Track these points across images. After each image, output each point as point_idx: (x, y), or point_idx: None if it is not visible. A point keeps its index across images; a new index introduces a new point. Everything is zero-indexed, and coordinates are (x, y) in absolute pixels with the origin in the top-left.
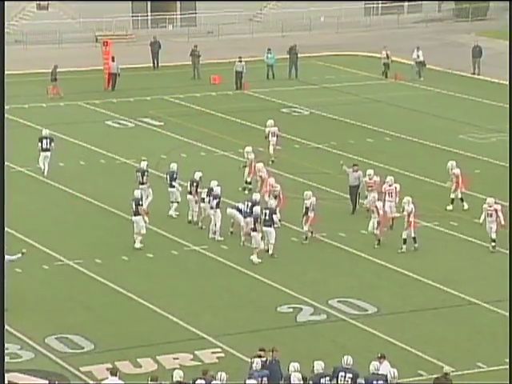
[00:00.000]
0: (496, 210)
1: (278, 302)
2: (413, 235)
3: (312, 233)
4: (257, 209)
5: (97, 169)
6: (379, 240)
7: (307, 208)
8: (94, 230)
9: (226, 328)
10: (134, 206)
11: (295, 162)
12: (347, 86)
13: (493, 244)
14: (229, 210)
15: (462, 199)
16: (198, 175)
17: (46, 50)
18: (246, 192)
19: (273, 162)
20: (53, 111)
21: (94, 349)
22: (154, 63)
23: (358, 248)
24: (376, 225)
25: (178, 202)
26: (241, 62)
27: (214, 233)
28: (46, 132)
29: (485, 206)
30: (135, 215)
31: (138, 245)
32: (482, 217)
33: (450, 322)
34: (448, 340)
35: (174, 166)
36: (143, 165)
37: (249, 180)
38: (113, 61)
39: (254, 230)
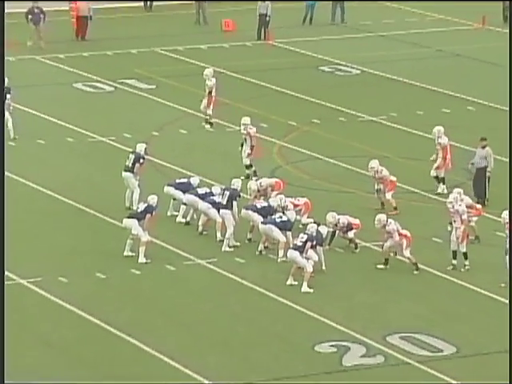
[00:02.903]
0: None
1: (316, 338)
2: (464, 250)
3: (355, 244)
4: (323, 229)
5: (62, 150)
6: (415, 264)
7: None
8: (57, 236)
9: (243, 373)
10: (139, 209)
11: (340, 142)
12: (413, 34)
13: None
14: (243, 212)
15: (437, 178)
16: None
17: None
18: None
19: (211, 124)
20: None
21: None
22: (146, 3)
23: (429, 261)
24: (405, 247)
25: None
26: (265, 1)
27: (223, 241)
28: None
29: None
30: (131, 217)
31: (142, 259)
32: None
33: None
34: None
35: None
36: (140, 149)
37: (247, 163)
38: None
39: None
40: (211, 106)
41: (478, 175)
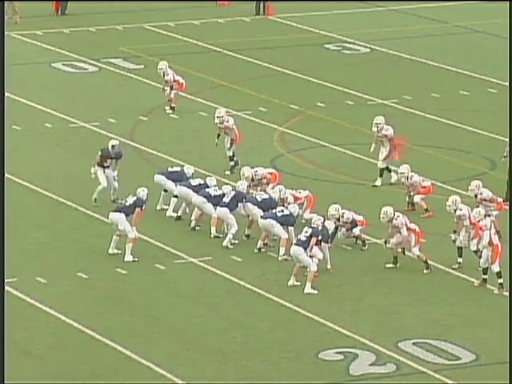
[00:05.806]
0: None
1: (321, 345)
2: (474, 248)
3: (363, 241)
4: (330, 224)
5: (39, 137)
6: (426, 262)
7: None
8: (34, 232)
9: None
10: (128, 202)
11: (347, 128)
12: (428, 7)
13: (499, 281)
14: (239, 205)
15: (388, 169)
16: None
17: None
18: (235, 172)
19: (172, 108)
20: None
21: None
22: None
23: (446, 260)
24: (414, 244)
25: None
26: None
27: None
28: None
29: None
30: (118, 211)
31: (129, 257)
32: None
33: None
34: None
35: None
36: (114, 145)
37: (230, 154)
38: None
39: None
40: (171, 92)
41: None
